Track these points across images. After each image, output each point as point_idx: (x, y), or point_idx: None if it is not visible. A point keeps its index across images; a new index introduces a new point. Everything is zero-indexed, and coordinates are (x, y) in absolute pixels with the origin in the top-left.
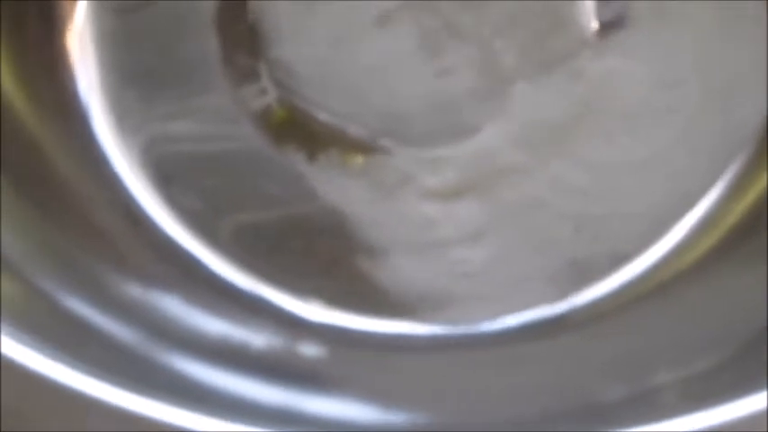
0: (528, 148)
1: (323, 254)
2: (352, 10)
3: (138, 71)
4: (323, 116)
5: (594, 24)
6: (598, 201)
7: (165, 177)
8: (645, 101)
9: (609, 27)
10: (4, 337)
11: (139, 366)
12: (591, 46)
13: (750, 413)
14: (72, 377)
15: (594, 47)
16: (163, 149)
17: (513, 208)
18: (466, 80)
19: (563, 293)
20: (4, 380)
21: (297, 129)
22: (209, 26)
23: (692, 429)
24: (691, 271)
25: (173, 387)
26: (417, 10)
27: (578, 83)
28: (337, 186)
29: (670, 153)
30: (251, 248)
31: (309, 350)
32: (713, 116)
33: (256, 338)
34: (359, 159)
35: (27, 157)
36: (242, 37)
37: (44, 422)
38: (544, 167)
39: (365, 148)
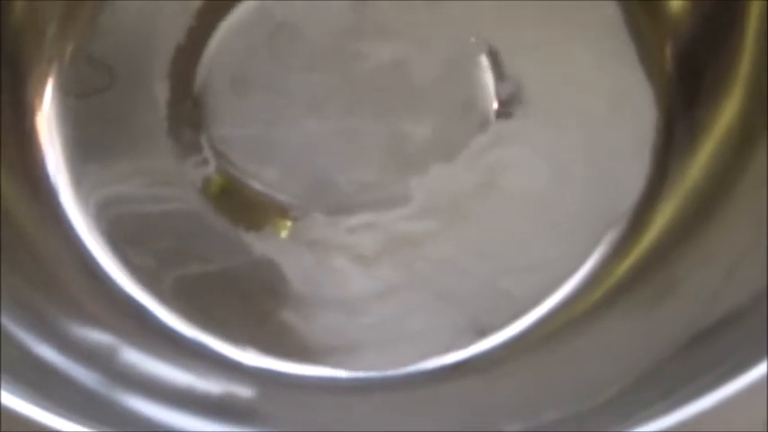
0: (436, 217)
1: (257, 307)
2: (282, 97)
3: (97, 145)
4: (257, 185)
5: (494, 104)
6: (498, 263)
7: (118, 237)
8: (538, 177)
9: (507, 104)
10: None
11: (97, 405)
12: (492, 127)
13: None
14: (40, 415)
15: (494, 128)
16: (117, 212)
17: (423, 268)
18: (382, 158)
19: (465, 343)
20: None
21: (234, 195)
22: (159, 106)
23: None
24: (576, 324)
25: (127, 426)
26: (340, 100)
27: (481, 160)
28: (269, 247)
29: (560, 222)
30: (194, 301)
31: (245, 392)
32: (597, 191)
33: (200, 381)
34: (288, 223)
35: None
36: (187, 115)
37: None
38: (450, 234)
39: (294, 214)
